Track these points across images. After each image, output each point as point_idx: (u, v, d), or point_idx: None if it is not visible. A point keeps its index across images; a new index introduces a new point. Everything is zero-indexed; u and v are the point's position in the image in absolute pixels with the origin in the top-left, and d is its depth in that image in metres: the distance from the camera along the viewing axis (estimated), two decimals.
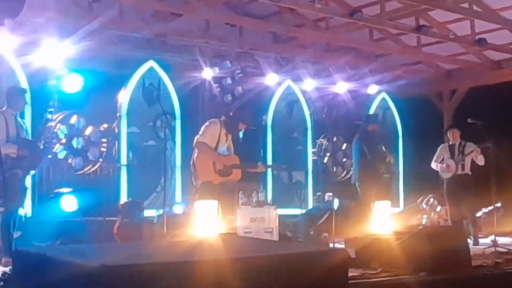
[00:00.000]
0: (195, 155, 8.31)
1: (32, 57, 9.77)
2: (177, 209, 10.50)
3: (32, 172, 8.08)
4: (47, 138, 9.45)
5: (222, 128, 8.46)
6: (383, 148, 10.64)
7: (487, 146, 9.78)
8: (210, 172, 8.25)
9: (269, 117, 12.45)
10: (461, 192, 10.58)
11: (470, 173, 10.61)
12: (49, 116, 9.50)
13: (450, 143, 10.83)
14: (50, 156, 10.05)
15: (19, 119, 7.85)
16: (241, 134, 9.03)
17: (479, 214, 11.59)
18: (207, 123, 8.52)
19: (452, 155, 10.70)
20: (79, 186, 10.03)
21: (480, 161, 10.41)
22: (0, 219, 7.48)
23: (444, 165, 10.68)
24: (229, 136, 8.59)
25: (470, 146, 10.50)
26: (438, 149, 11.01)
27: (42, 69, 9.93)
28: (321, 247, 7.70)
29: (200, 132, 8.43)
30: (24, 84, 9.85)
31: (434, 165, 10.89)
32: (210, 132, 8.38)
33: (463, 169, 10.61)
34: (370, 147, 10.36)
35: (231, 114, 8.89)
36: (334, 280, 4.24)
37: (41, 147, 8.05)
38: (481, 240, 10.15)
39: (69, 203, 9.54)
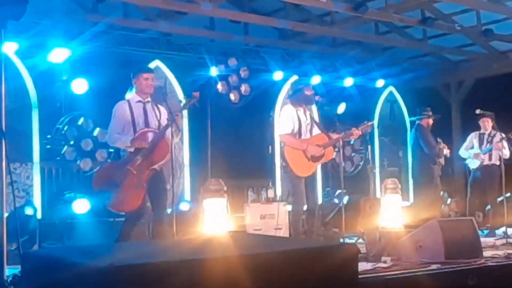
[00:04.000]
0: (284, 150, 8.03)
1: (39, 60, 9.79)
2: (184, 206, 10.51)
3: (153, 169, 7.01)
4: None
5: (297, 108, 8.11)
6: (439, 141, 10.53)
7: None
8: (303, 163, 7.94)
9: (276, 113, 12.42)
10: (486, 182, 10.49)
11: (498, 163, 10.34)
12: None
13: (481, 131, 10.75)
14: (58, 158, 10.08)
15: (152, 107, 7.12)
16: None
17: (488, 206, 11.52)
18: (281, 115, 8.23)
19: (480, 145, 10.63)
20: (89, 187, 10.03)
21: (504, 154, 10.21)
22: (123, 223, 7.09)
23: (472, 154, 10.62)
24: (308, 113, 8.21)
25: (499, 136, 10.35)
26: (469, 137, 10.93)
27: (48, 71, 9.95)
28: (331, 242, 7.68)
29: (279, 127, 8.20)
30: (30, 87, 9.91)
31: (462, 152, 10.79)
32: (286, 120, 8.03)
33: (490, 159, 10.51)
34: (426, 142, 10.28)
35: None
36: (344, 275, 4.23)
37: (173, 141, 7.11)
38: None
39: (81, 205, 9.50)
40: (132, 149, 6.88)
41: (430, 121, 10.57)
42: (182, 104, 7.40)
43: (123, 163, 6.96)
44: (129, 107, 7.01)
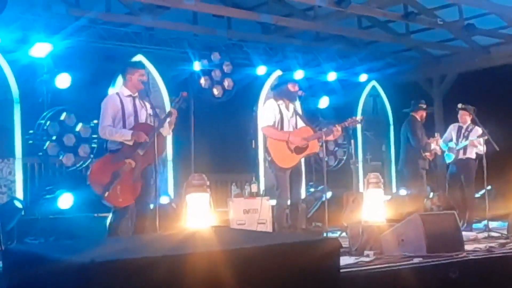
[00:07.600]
0: (267, 142, 8.01)
1: (20, 54, 9.74)
2: (163, 199, 10.50)
3: (149, 165, 7.05)
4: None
5: (279, 101, 8.10)
6: (437, 135, 10.38)
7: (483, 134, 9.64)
8: (286, 155, 7.93)
9: (260, 108, 12.42)
10: (462, 177, 10.43)
11: (473, 157, 10.33)
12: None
13: (460, 124, 10.59)
14: (40, 153, 10.03)
15: (141, 101, 7.14)
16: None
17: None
18: (263, 108, 8.19)
19: (457, 138, 10.54)
20: (71, 183, 9.99)
21: (480, 150, 9.99)
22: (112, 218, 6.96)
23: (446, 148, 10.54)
24: (291, 107, 8.19)
25: (476, 132, 10.21)
26: (448, 128, 10.81)
27: (30, 66, 9.89)
28: (313, 236, 7.70)
29: (262, 120, 8.21)
30: (12, 82, 9.85)
31: (441, 144, 10.52)
32: (268, 113, 8.03)
33: (464, 153, 10.41)
34: (415, 134, 10.21)
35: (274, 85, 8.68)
36: (326, 269, 4.24)
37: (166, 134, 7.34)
38: (473, 225, 10.15)
39: (65, 200, 9.47)
40: (131, 143, 6.84)
41: (424, 113, 10.40)
42: (173, 104, 7.42)
43: (121, 156, 6.85)
44: (120, 101, 6.99)
